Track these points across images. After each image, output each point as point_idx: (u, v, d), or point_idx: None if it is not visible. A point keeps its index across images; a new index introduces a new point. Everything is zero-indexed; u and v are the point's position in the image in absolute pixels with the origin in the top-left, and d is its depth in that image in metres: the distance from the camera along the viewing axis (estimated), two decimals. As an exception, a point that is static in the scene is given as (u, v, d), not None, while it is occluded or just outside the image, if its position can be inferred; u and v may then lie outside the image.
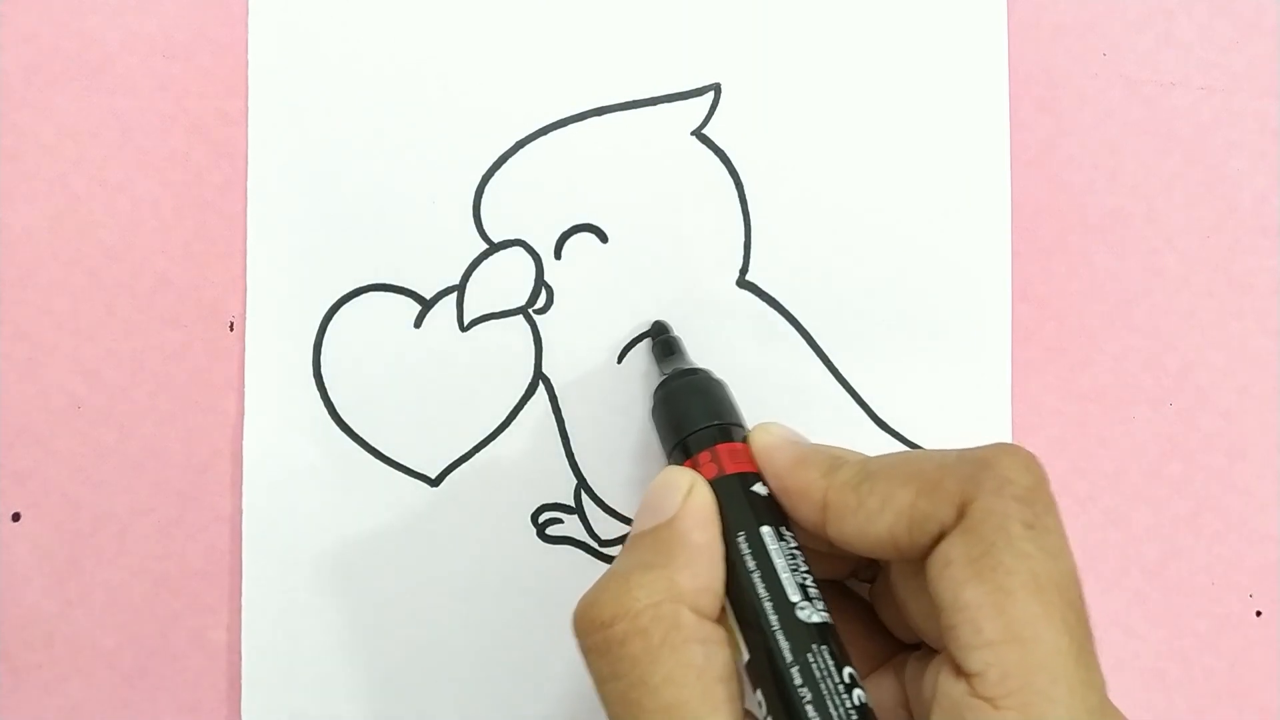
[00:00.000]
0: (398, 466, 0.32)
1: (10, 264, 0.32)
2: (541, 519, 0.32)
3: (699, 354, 0.32)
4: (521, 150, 0.32)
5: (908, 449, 0.24)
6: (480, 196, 0.32)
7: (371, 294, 0.32)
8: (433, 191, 0.32)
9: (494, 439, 0.32)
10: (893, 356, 0.32)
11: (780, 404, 0.32)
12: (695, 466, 0.26)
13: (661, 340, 0.31)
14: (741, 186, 0.32)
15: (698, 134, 0.32)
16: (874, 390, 0.32)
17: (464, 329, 0.32)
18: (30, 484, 0.32)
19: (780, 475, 0.25)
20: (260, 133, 0.32)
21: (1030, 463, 0.23)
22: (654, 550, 0.24)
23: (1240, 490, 0.33)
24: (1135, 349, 0.33)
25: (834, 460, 0.25)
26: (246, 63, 0.32)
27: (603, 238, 0.32)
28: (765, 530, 0.24)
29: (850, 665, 0.23)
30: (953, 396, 0.32)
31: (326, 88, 0.32)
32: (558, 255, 0.32)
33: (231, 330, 0.32)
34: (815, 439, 0.32)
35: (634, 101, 0.32)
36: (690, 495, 0.24)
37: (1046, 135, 0.33)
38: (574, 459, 0.32)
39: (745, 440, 0.26)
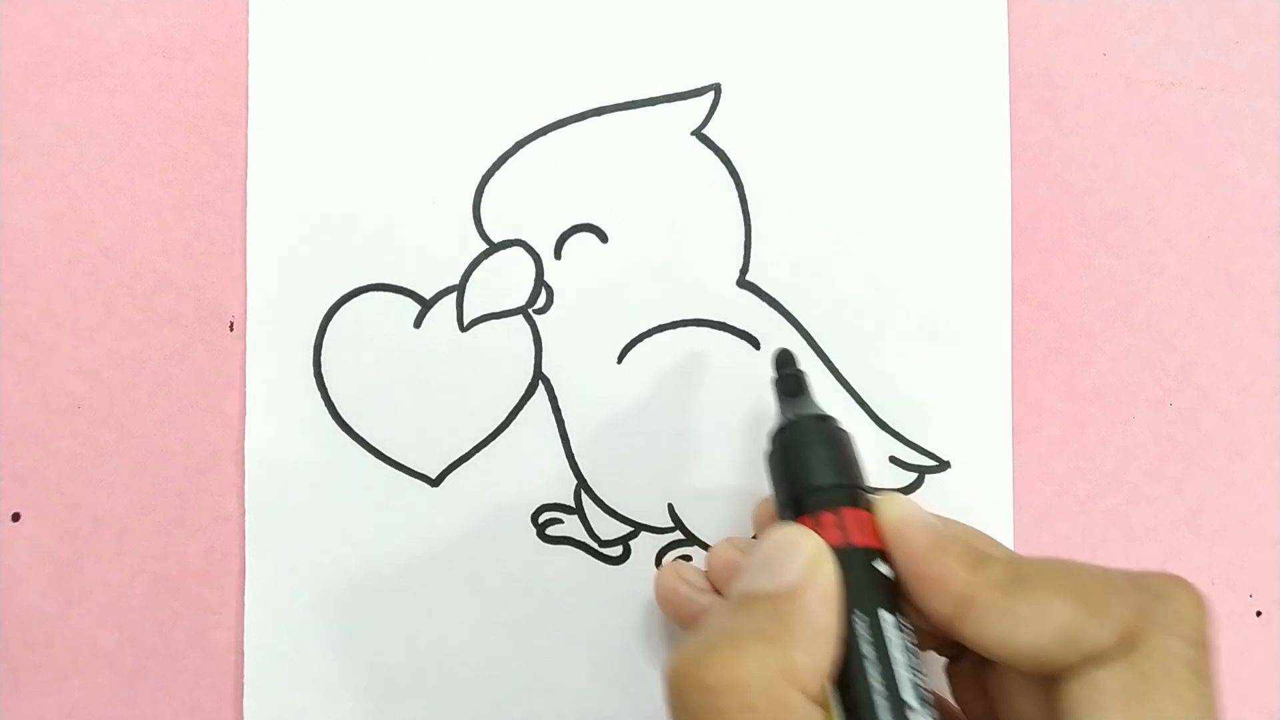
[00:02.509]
0: (398, 466, 0.32)
1: (10, 264, 0.32)
2: (541, 519, 0.32)
3: (699, 354, 0.32)
4: (521, 150, 0.32)
5: (1059, 559, 0.23)
6: (480, 196, 0.32)
7: (371, 294, 0.32)
8: (433, 191, 0.32)
9: (494, 439, 0.32)
10: (893, 356, 0.32)
11: (780, 404, 0.32)
12: (815, 527, 0.24)
13: (790, 375, 0.28)
14: (741, 186, 0.32)
15: (698, 134, 0.32)
16: (874, 390, 0.32)
17: (464, 329, 0.32)
18: (30, 484, 0.32)
19: (915, 559, 0.23)
20: (260, 133, 0.32)
21: (1202, 601, 0.22)
22: (772, 620, 0.22)
23: (1240, 490, 0.33)
24: (1135, 349, 0.33)
25: (976, 553, 0.23)
26: (246, 63, 0.32)
27: (603, 238, 0.32)
28: (887, 617, 0.23)
29: None
30: (953, 396, 0.32)
31: (326, 88, 0.32)
32: (558, 255, 0.32)
33: (231, 330, 0.32)
34: (815, 439, 0.32)
35: (634, 101, 0.32)
36: (816, 565, 0.23)
37: (1046, 135, 0.33)
38: (574, 459, 0.32)
39: (870, 509, 0.24)
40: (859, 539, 0.24)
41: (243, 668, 0.32)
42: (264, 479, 0.32)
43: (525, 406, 0.32)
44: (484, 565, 0.32)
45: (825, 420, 0.26)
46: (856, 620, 0.22)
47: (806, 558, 0.23)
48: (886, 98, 0.32)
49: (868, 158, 0.32)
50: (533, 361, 0.32)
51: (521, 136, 0.32)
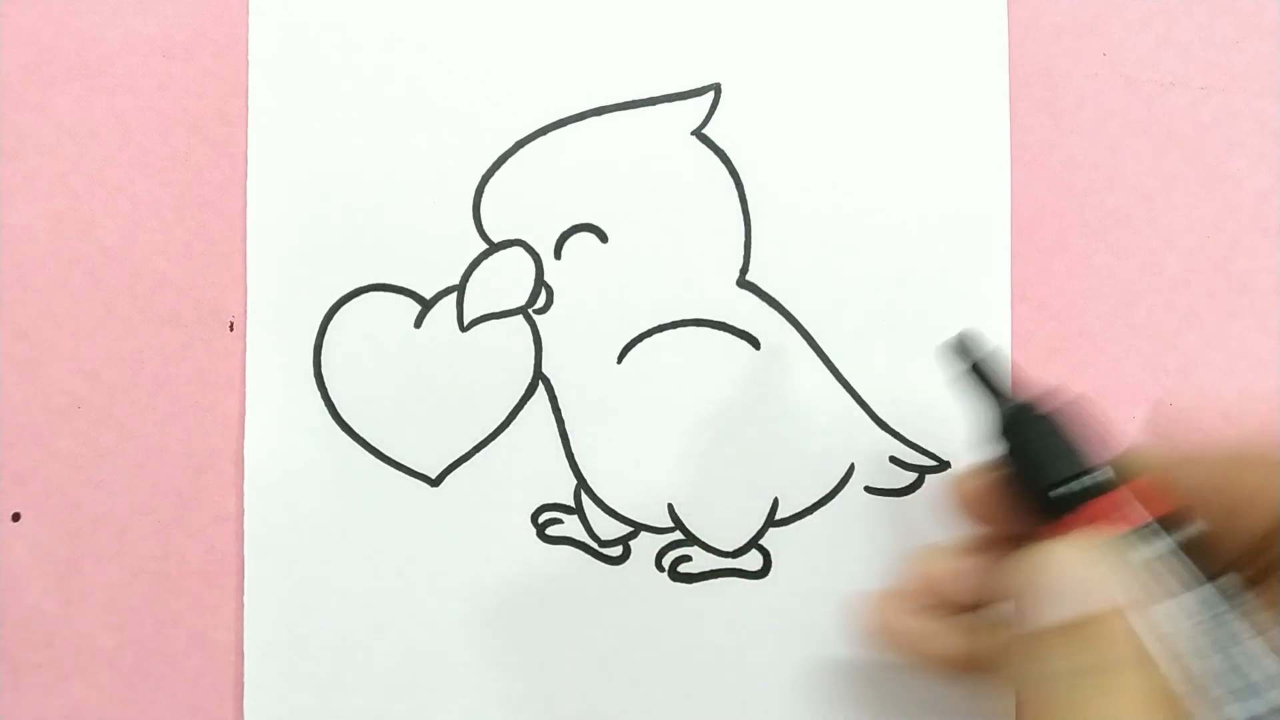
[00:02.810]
0: (398, 466, 0.32)
1: (10, 264, 0.32)
2: (541, 519, 0.32)
3: (699, 354, 0.32)
4: (521, 150, 0.32)
5: None
6: (480, 196, 0.32)
7: (371, 294, 0.32)
8: (433, 191, 0.32)
9: (494, 439, 0.32)
10: (893, 356, 0.32)
11: (781, 404, 0.32)
12: (1115, 512, 0.22)
13: (987, 357, 0.26)
14: (741, 186, 0.32)
15: (698, 134, 0.32)
16: (874, 390, 0.32)
17: (464, 329, 0.32)
18: (30, 484, 0.32)
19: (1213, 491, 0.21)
20: (260, 133, 0.32)
21: None
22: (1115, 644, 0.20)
23: (1240, 490, 0.33)
24: (1135, 349, 0.33)
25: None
26: (246, 63, 0.32)
27: (603, 238, 0.32)
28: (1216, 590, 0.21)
29: None
30: (953, 396, 0.32)
31: (326, 88, 0.32)
32: (558, 255, 0.32)
33: (231, 330, 0.32)
34: (815, 439, 0.32)
35: (634, 101, 0.32)
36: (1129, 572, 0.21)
37: (1046, 135, 0.33)
38: (574, 459, 0.32)
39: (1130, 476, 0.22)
40: (1155, 509, 0.21)
41: (243, 668, 0.32)
42: (264, 479, 0.32)
43: (525, 406, 0.32)
44: (484, 565, 0.32)
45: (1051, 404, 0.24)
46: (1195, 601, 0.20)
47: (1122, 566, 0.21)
48: (886, 98, 0.32)
49: (868, 158, 0.32)
50: (533, 361, 0.32)
51: (521, 136, 0.32)
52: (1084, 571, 0.21)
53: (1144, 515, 0.21)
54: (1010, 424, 0.24)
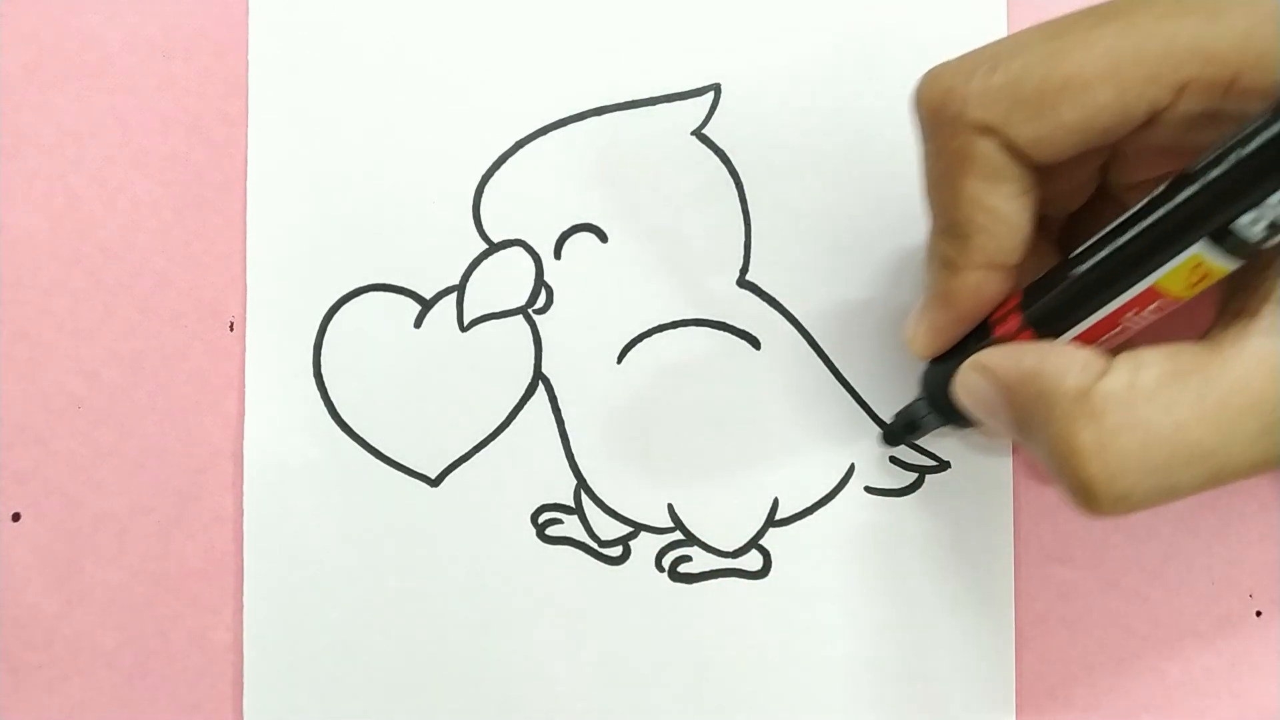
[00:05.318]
0: (398, 466, 0.32)
1: (10, 264, 0.32)
2: (541, 519, 0.32)
3: (699, 354, 0.32)
4: (521, 150, 0.32)
5: None
6: (480, 196, 0.32)
7: (371, 294, 0.32)
8: (433, 191, 0.32)
9: (494, 439, 0.32)
10: (893, 356, 0.32)
11: (781, 404, 0.32)
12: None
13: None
14: (741, 186, 0.32)
15: (698, 134, 0.32)
16: (874, 390, 0.32)
17: (464, 329, 0.32)
18: (30, 484, 0.32)
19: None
20: (260, 133, 0.32)
21: None
22: None
23: (1240, 490, 0.33)
24: (1135, 349, 0.33)
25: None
26: (246, 63, 0.32)
27: (603, 238, 0.32)
28: None
29: None
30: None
31: (326, 88, 0.32)
32: (558, 255, 0.32)
33: (231, 330, 0.32)
34: (815, 439, 0.32)
35: (634, 101, 0.32)
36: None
37: (1046, 135, 0.33)
38: (574, 459, 0.32)
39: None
40: None
41: (243, 668, 0.32)
42: (263, 479, 0.32)
43: (525, 406, 0.32)
44: (484, 565, 0.32)
45: None
46: None
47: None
48: (887, 98, 0.32)
49: (868, 158, 0.32)
50: (533, 361, 0.32)
51: (521, 136, 0.32)
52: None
53: None
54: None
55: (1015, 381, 0.24)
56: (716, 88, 0.32)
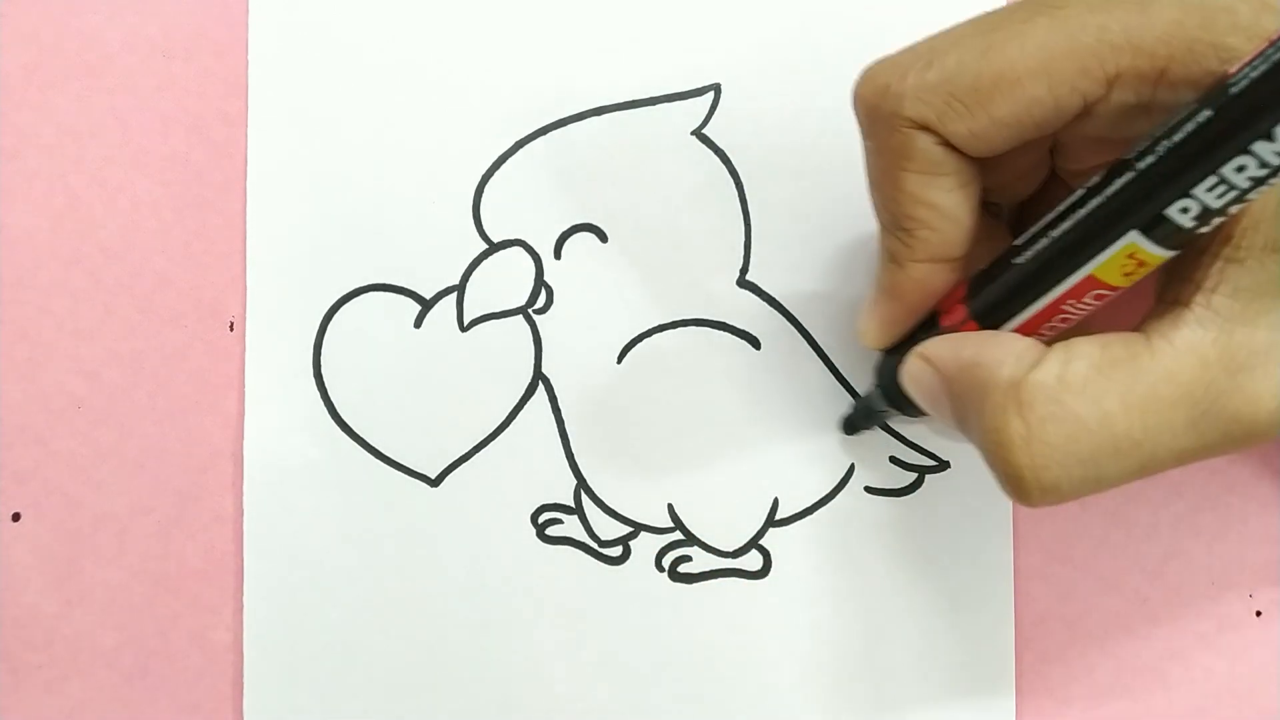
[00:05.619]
0: (398, 466, 0.32)
1: (10, 264, 0.32)
2: (541, 519, 0.32)
3: (699, 354, 0.32)
4: (521, 150, 0.32)
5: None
6: (480, 196, 0.32)
7: (371, 294, 0.32)
8: (433, 191, 0.32)
9: (494, 439, 0.32)
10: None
11: (780, 404, 0.32)
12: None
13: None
14: (741, 186, 0.32)
15: (698, 134, 0.32)
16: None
17: (464, 329, 0.32)
18: (30, 484, 0.32)
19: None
20: (260, 133, 0.32)
21: None
22: None
23: (1240, 490, 0.33)
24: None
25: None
26: (246, 63, 0.32)
27: (603, 238, 0.32)
28: None
29: None
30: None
31: (326, 88, 0.32)
32: (558, 255, 0.32)
33: (231, 330, 0.32)
34: (815, 439, 0.32)
35: (634, 101, 0.32)
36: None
37: (1046, 135, 0.33)
38: (574, 459, 0.32)
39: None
40: None
41: (242, 668, 0.32)
42: (263, 479, 0.32)
43: (525, 406, 0.32)
44: (484, 565, 0.32)
45: None
46: None
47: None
48: (886, 98, 0.32)
49: (868, 158, 0.32)
50: (533, 361, 0.32)
51: (521, 136, 0.32)
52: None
53: None
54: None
55: (954, 372, 0.25)
56: (716, 88, 0.32)
